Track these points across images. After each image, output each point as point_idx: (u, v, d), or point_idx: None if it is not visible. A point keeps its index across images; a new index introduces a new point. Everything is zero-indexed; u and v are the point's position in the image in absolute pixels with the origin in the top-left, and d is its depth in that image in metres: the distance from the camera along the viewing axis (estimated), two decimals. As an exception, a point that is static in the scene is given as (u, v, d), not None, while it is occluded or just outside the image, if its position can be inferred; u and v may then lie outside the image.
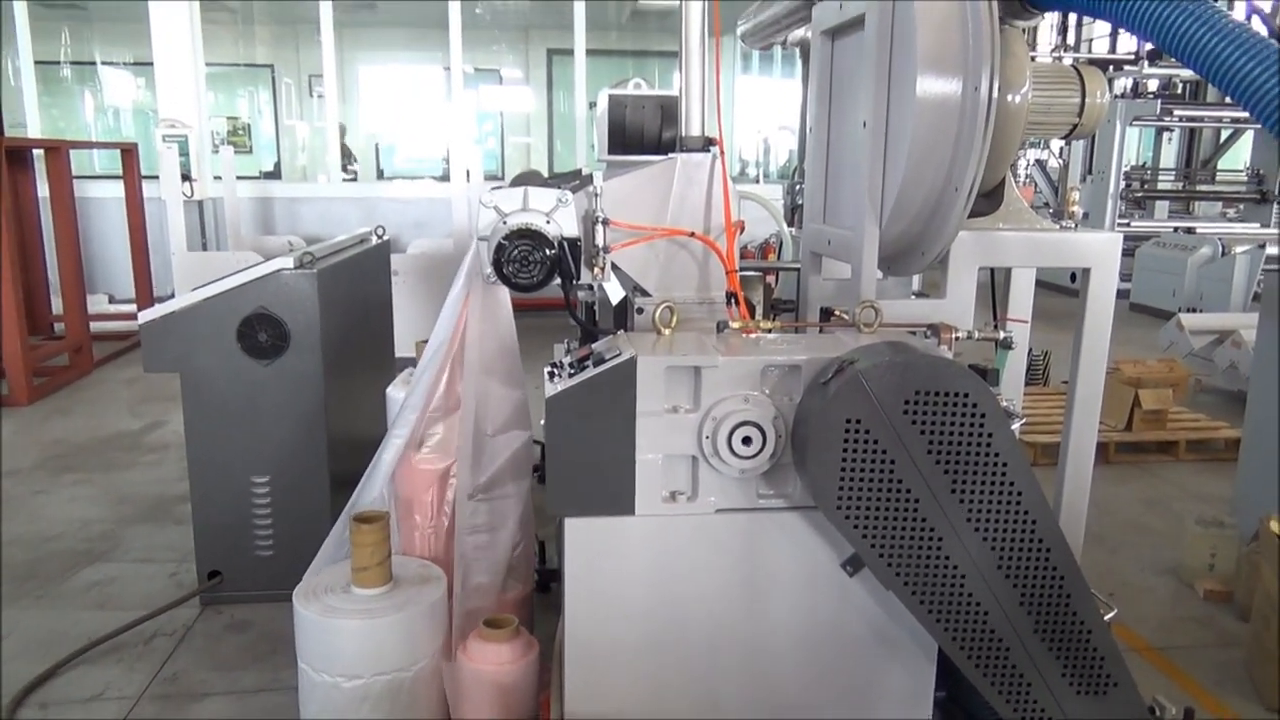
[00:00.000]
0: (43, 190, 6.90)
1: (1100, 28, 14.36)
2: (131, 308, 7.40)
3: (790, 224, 4.72)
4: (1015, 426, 1.96)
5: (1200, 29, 1.74)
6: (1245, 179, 11.37)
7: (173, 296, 3.11)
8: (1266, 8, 15.78)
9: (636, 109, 3.21)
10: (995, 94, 2.09)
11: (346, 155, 11.94)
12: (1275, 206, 10.59)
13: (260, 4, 13.23)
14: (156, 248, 7.71)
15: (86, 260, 7.79)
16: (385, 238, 4.11)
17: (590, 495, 2.01)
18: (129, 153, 7.47)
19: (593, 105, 8.24)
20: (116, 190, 7.72)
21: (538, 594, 2.95)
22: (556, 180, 3.01)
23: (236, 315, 2.94)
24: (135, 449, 4.96)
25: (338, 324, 3.20)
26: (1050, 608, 1.92)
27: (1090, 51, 15.16)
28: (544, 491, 2.03)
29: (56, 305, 7.01)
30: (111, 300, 8.27)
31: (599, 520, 2.03)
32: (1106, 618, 2.08)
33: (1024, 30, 2.44)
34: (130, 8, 10.05)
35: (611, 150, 3.23)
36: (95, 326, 7.01)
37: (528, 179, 2.61)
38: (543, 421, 2.09)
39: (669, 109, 3.15)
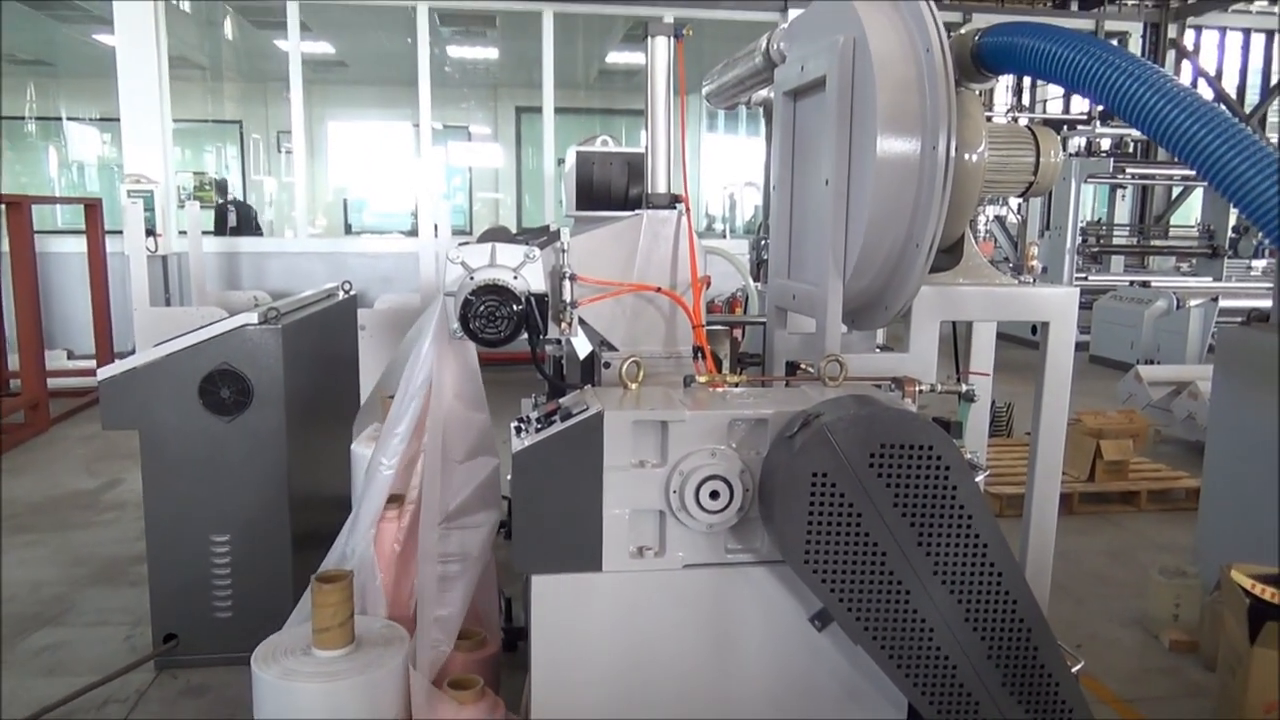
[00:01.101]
0: (3, 245, 6.82)
1: (1054, 89, 14.83)
2: (91, 364, 7.28)
3: (756, 279, 4.78)
4: (979, 479, 1.98)
5: (1145, 91, 1.81)
6: (1197, 234, 11.70)
7: (133, 352, 3.07)
8: (1211, 71, 16.40)
9: (604, 166, 3.25)
10: (953, 153, 2.15)
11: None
12: (1226, 261, 10.90)
13: (230, 60, 13.31)
14: (118, 303, 7.62)
15: (46, 315, 7.68)
16: (352, 293, 4.10)
17: (557, 551, 1.99)
18: (93, 208, 7.42)
19: (561, 161, 8.34)
20: (79, 245, 7.65)
21: (504, 653, 2.89)
22: (525, 236, 3.03)
23: (199, 371, 2.91)
24: (91, 508, 4.84)
25: (302, 380, 3.17)
26: (1017, 660, 1.92)
27: (1045, 112, 15.66)
28: (510, 548, 2.01)
29: (14, 361, 6.88)
30: (70, 356, 8.13)
31: (566, 577, 2.01)
32: (1074, 670, 2.09)
33: (979, 92, 2.52)
34: (98, 63, 10.08)
35: (579, 206, 3.26)
36: (53, 383, 6.88)
37: (495, 235, 2.63)
38: (509, 477, 2.07)
39: (636, 166, 3.20)
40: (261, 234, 10.60)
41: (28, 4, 8.75)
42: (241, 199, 13.05)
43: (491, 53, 12.67)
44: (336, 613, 2.20)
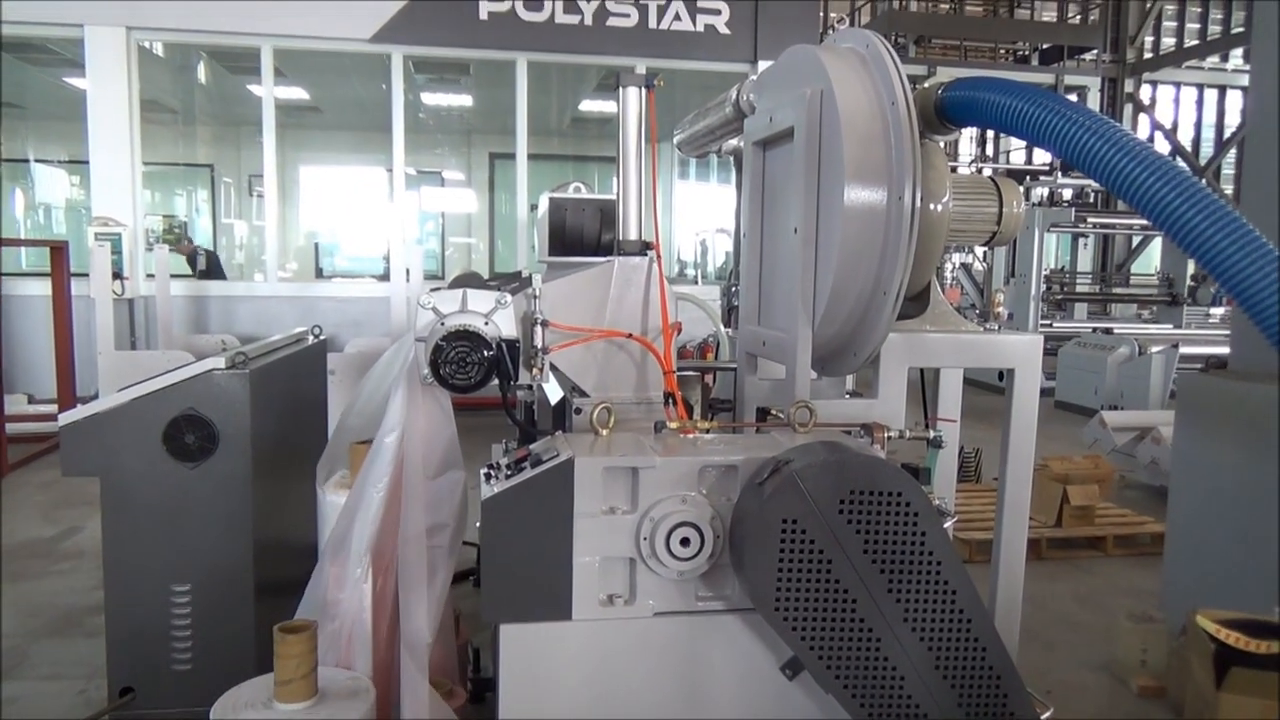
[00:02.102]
0: (-36, 287, 6.72)
1: (1017, 140, 15.18)
2: (52, 408, 7.15)
3: (727, 325, 4.81)
4: (948, 525, 1.99)
5: (1101, 144, 1.86)
6: (1157, 282, 11.98)
7: (97, 397, 3.02)
8: (1167, 124, 16.88)
9: (576, 212, 3.28)
10: (918, 203, 2.19)
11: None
12: (1185, 308, 11.15)
13: (203, 104, 13.32)
14: (83, 347, 7.51)
15: (7, 359, 7.55)
16: (322, 337, 4.07)
17: (526, 600, 1.97)
18: (58, 250, 7.34)
19: (533, 208, 8.39)
20: (43, 288, 7.55)
21: (471, 704, 2.84)
22: (497, 281, 3.03)
23: (163, 417, 2.86)
24: (48, 557, 4.72)
25: (270, 425, 3.14)
26: (987, 708, 1.91)
27: (1008, 162, 16.03)
28: (479, 597, 1.99)
29: (-29, 406, 6.74)
30: (31, 400, 7.98)
31: (535, 626, 1.99)
32: (1043, 717, 2.09)
33: (943, 143, 2.58)
34: (68, 105, 10.05)
35: (552, 252, 3.28)
36: (11, 428, 6.75)
37: (467, 280, 2.64)
38: (478, 524, 2.05)
39: (608, 212, 3.23)
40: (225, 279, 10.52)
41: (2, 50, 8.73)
42: (211, 248, 13.01)
43: (466, 100, 12.79)
44: (300, 664, 2.15)
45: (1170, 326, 10.91)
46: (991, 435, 3.09)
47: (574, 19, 9.11)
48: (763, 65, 8.94)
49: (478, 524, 2.06)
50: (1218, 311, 11.32)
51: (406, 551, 2.40)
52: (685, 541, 1.94)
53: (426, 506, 2.42)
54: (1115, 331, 10.03)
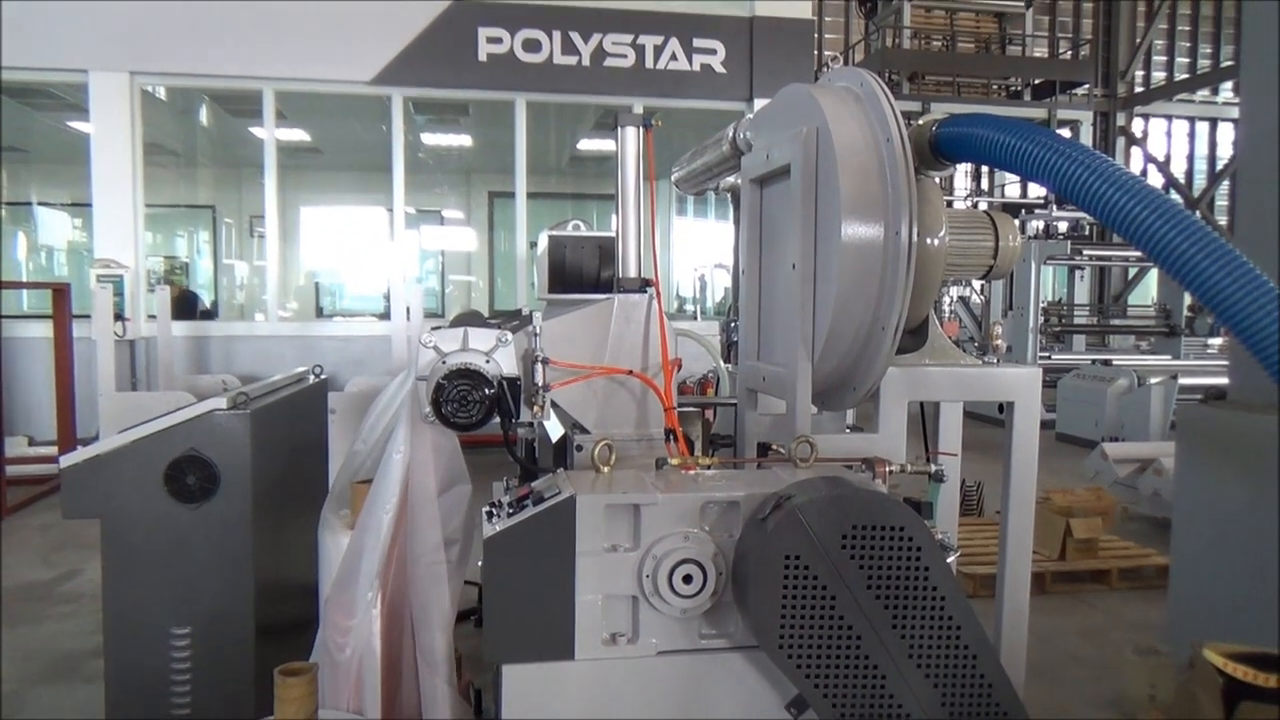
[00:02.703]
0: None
1: (1011, 174, 15.30)
2: (52, 450, 7.14)
3: (727, 360, 4.82)
4: (951, 559, 1.98)
5: (1094, 178, 1.88)
6: (1154, 313, 12.01)
7: (97, 439, 3.02)
8: (1160, 157, 17.03)
9: (575, 249, 3.31)
10: (915, 238, 2.21)
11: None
12: (1183, 339, 11.17)
13: (204, 147, 13.45)
14: (83, 389, 7.52)
15: (8, 401, 7.55)
16: (323, 376, 4.08)
17: (528, 639, 1.96)
18: (60, 292, 7.37)
19: (533, 245, 8.45)
20: (44, 330, 7.58)
21: (474, 747, 2.81)
22: (497, 319, 3.05)
23: (165, 457, 2.86)
24: (46, 600, 4.69)
25: (270, 465, 3.13)
26: (996, 746, 1.89)
27: (1003, 196, 16.15)
28: (481, 637, 1.97)
29: (-28, 448, 6.73)
30: (31, 443, 7.97)
31: (537, 666, 1.97)
32: (1053, 754, 2.06)
33: (939, 179, 2.60)
34: (71, 149, 10.15)
35: (552, 289, 3.30)
36: (11, 470, 6.73)
37: (468, 319, 2.65)
38: (479, 563, 2.05)
39: (607, 250, 3.25)
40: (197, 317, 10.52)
41: (5, 94, 8.83)
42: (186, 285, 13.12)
43: (465, 139, 12.92)
44: (300, 707, 2.13)
45: (1169, 357, 10.93)
46: (993, 468, 3.09)
47: (572, 60, 9.24)
48: (759, 103, 9.05)
49: (479, 562, 2.05)
50: (1216, 342, 11.35)
51: (418, 568, 2.39)
52: (688, 579, 1.93)
53: (436, 522, 2.41)
54: (1114, 363, 10.05)
